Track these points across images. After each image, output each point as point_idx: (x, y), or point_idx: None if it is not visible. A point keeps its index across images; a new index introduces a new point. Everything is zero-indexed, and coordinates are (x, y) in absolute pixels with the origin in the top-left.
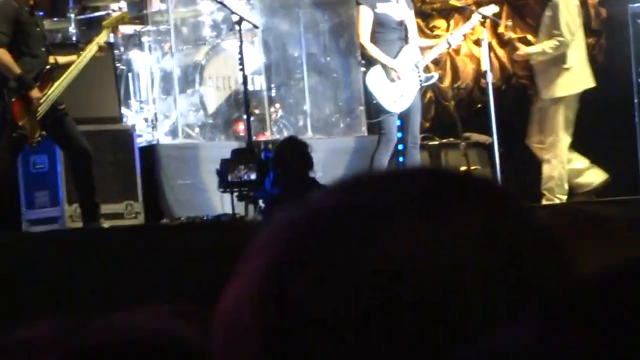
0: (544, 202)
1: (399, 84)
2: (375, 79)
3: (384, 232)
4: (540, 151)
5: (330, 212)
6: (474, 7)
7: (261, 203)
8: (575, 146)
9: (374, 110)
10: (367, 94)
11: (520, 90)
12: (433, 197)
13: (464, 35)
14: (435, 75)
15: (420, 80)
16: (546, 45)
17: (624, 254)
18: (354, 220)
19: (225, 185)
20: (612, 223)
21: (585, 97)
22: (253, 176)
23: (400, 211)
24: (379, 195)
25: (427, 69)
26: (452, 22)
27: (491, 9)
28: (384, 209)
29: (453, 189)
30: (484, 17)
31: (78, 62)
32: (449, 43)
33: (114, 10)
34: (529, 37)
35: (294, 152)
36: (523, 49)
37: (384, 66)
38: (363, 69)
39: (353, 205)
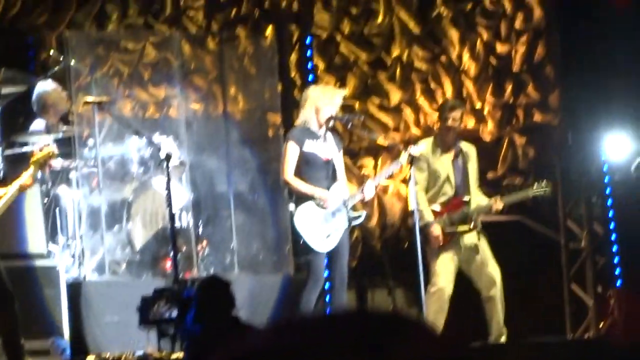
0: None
1: (327, 221)
2: (302, 218)
3: None
4: None
5: (264, 355)
6: (401, 146)
7: (182, 341)
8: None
9: (302, 250)
10: (295, 233)
11: None
12: (367, 340)
13: (392, 175)
14: (363, 214)
15: (349, 219)
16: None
17: None
18: None
19: (146, 322)
20: None
21: (514, 242)
22: (174, 314)
23: (335, 354)
24: (313, 338)
25: (354, 208)
26: (379, 160)
27: (420, 148)
28: (318, 352)
29: (386, 331)
30: (411, 157)
31: (3, 198)
32: (363, 192)
33: (40, 149)
34: None
35: (216, 290)
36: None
37: (310, 205)
38: (292, 207)
39: (287, 348)
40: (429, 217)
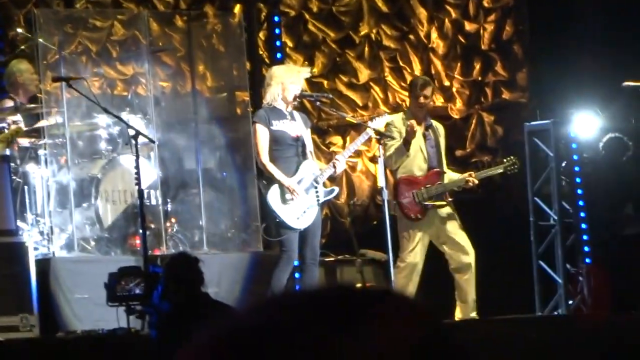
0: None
1: (300, 201)
2: (276, 197)
3: (303, 349)
4: None
5: (251, 332)
6: (369, 124)
7: (149, 317)
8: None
9: (276, 228)
10: (270, 212)
11: None
12: (350, 313)
13: (360, 152)
14: (336, 189)
15: (317, 196)
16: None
17: None
18: (274, 339)
19: (113, 298)
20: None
21: (482, 214)
22: (141, 290)
23: (319, 328)
24: (298, 314)
25: (324, 184)
26: (348, 138)
27: (383, 120)
28: (303, 327)
29: (369, 304)
30: (380, 133)
31: None
32: (335, 165)
33: (8, 124)
34: None
35: (185, 267)
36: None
37: (281, 185)
38: (264, 185)
39: (273, 325)
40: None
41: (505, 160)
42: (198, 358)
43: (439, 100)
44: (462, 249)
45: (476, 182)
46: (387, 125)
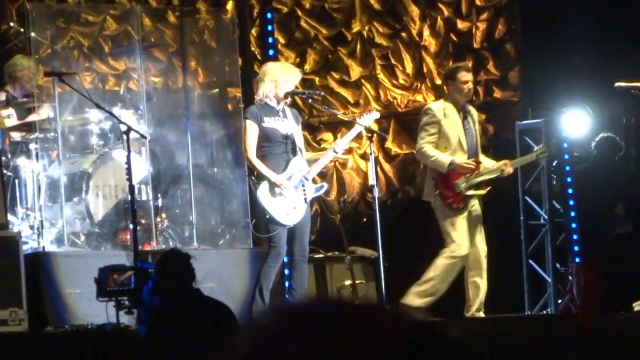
0: None
1: (290, 197)
2: (266, 193)
3: None
4: None
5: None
6: (360, 120)
7: (138, 313)
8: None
9: (265, 225)
10: (259, 209)
11: (406, 203)
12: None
13: (351, 149)
14: (325, 186)
15: (305, 192)
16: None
17: None
18: None
19: (103, 294)
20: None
21: None
22: (131, 285)
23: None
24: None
25: (314, 181)
26: (339, 135)
27: (373, 116)
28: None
29: (338, 319)
30: (371, 131)
31: None
32: (335, 151)
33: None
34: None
35: (177, 263)
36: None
37: (270, 181)
38: (254, 182)
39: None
40: (447, 158)
41: (535, 148)
42: None
43: (430, 98)
44: (481, 248)
45: (511, 170)
46: (426, 110)
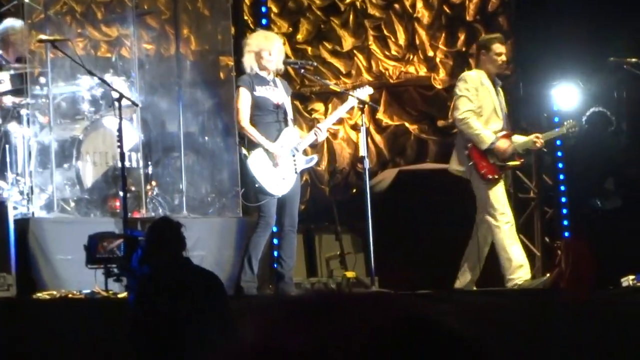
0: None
1: (280, 167)
2: (257, 163)
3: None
4: None
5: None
6: (352, 92)
7: (127, 280)
8: (448, 233)
9: (255, 194)
10: (249, 178)
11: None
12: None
13: (342, 120)
14: (315, 158)
15: (295, 163)
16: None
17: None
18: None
19: (92, 261)
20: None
21: (460, 185)
22: (121, 253)
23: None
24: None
25: (305, 152)
26: (330, 105)
27: (366, 91)
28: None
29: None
30: (362, 102)
31: None
32: (316, 134)
33: None
34: None
35: (168, 231)
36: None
37: (266, 150)
38: (244, 151)
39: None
40: (490, 137)
41: (565, 122)
42: None
43: (422, 70)
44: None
45: (542, 143)
46: (463, 78)
